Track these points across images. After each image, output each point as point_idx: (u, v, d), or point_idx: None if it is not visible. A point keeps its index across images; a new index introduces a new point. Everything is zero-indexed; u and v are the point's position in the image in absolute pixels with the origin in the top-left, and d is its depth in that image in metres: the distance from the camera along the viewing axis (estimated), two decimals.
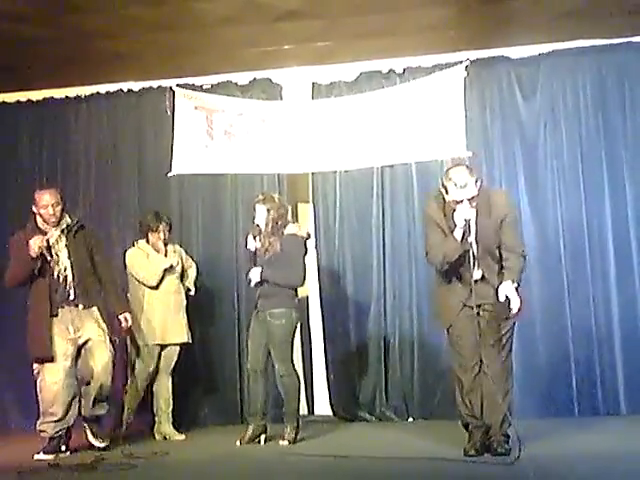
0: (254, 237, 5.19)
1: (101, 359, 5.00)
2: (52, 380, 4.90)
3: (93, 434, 5.04)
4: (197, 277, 5.95)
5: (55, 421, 4.90)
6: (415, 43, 6.19)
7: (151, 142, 6.73)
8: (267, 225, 5.13)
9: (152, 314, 5.57)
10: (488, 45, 6.25)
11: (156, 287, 5.60)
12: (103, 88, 6.81)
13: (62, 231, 5.04)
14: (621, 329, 5.91)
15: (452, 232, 4.23)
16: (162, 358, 5.62)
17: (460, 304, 4.31)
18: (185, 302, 5.76)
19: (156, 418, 5.62)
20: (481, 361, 4.28)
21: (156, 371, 5.62)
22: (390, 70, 6.45)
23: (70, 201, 6.57)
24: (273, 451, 4.86)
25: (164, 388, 5.63)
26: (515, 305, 4.18)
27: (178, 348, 5.67)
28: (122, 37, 5.97)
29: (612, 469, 3.81)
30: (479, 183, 4.25)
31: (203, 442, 5.50)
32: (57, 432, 4.92)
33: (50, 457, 4.82)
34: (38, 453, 4.88)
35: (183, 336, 5.66)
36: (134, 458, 4.58)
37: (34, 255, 4.88)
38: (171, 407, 5.63)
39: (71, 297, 4.99)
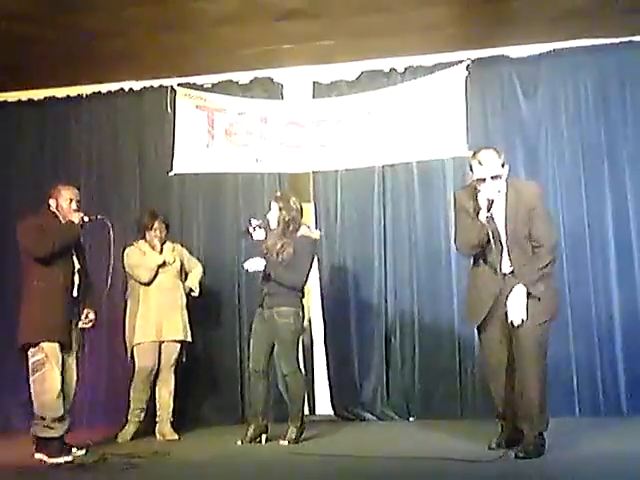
0: (263, 229, 5.06)
1: (72, 371, 4.87)
2: (58, 372, 4.71)
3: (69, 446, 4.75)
4: (202, 278, 5.94)
5: (60, 418, 4.68)
6: (416, 42, 6.19)
7: (152, 141, 6.73)
8: (278, 225, 5.07)
9: (148, 311, 5.58)
10: (489, 44, 6.26)
11: (149, 283, 5.61)
12: (104, 87, 6.81)
13: None
14: (622, 329, 5.90)
15: (477, 215, 4.17)
16: (162, 355, 5.63)
17: (491, 299, 4.19)
18: (185, 300, 5.75)
19: (157, 418, 5.61)
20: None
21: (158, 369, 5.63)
22: (391, 69, 6.45)
23: None
24: (274, 451, 4.86)
25: (165, 386, 5.62)
26: (515, 317, 4.09)
27: (177, 345, 5.66)
28: (123, 36, 5.96)
29: (612, 470, 3.81)
30: (506, 167, 4.23)
31: (204, 442, 5.50)
32: (65, 431, 4.74)
33: (68, 458, 4.62)
34: (51, 457, 4.62)
35: (179, 333, 5.63)
36: (135, 458, 4.56)
37: (77, 221, 4.84)
38: (171, 407, 5.61)
39: (74, 294, 4.87)
